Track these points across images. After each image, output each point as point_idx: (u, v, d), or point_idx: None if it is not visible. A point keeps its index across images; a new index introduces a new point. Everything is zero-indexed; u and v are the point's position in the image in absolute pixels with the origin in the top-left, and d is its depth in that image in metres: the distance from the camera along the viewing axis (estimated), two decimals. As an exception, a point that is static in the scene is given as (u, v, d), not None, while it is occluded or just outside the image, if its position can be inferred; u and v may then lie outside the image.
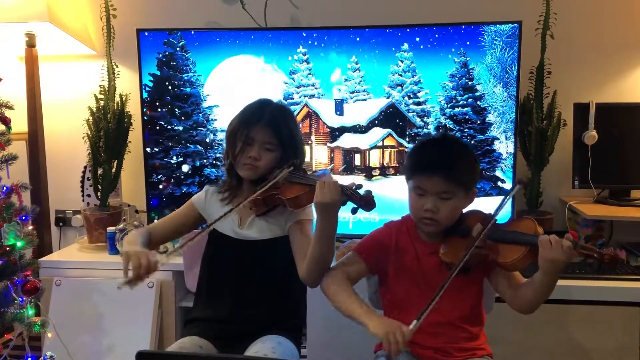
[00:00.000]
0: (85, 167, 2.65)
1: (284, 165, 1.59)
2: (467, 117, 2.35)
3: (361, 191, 1.44)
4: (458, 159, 1.52)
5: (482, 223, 1.48)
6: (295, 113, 2.41)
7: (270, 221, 1.66)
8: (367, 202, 1.42)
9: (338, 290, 1.50)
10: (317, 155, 2.46)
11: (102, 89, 2.55)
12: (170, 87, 2.50)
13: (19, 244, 1.98)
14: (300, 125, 2.42)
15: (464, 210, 1.56)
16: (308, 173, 1.62)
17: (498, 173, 2.36)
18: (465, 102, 2.34)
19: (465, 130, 2.36)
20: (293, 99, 2.44)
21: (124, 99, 2.56)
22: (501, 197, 1.55)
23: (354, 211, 1.44)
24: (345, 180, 1.48)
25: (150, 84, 2.51)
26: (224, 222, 1.67)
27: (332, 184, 1.41)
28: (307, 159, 2.42)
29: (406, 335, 1.31)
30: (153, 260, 1.47)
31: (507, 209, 2.33)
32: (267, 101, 1.71)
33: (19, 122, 2.47)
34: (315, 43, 2.40)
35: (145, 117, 2.53)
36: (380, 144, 2.41)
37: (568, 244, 1.35)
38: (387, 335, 1.31)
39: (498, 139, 2.35)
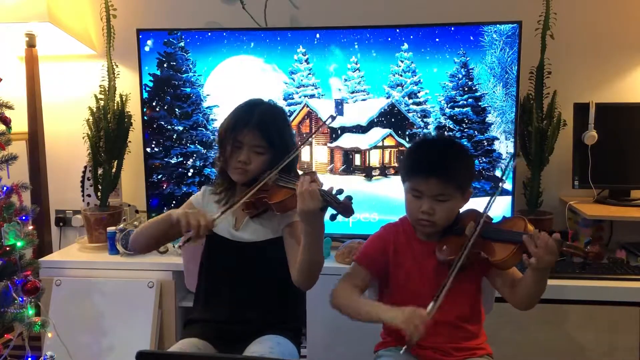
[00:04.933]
0: (85, 167, 2.65)
1: (274, 168, 1.58)
2: (467, 117, 2.35)
3: (341, 197, 1.41)
4: (454, 161, 1.52)
5: (476, 222, 1.49)
6: (295, 113, 2.42)
7: (264, 223, 1.65)
8: (345, 208, 1.39)
9: (347, 300, 1.52)
10: (317, 155, 2.46)
11: (102, 89, 2.55)
12: (170, 87, 2.50)
13: (19, 244, 1.98)
14: (300, 125, 2.43)
15: (461, 210, 1.57)
16: (300, 174, 1.61)
17: (498, 173, 2.36)
18: (465, 102, 2.34)
19: (465, 130, 2.36)
20: (293, 99, 2.44)
21: (124, 99, 2.56)
22: (500, 197, 1.55)
23: (332, 218, 1.42)
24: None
25: (150, 84, 2.51)
26: (219, 224, 1.67)
27: (312, 191, 1.39)
28: (307, 158, 2.44)
29: (424, 318, 1.34)
30: (210, 218, 1.53)
31: (507, 209, 2.33)
32: (257, 102, 1.68)
33: (19, 122, 2.47)
34: (315, 43, 2.40)
35: (145, 117, 2.53)
36: (380, 144, 2.41)
37: (552, 243, 1.36)
38: (407, 322, 1.33)
39: (498, 139, 2.35)
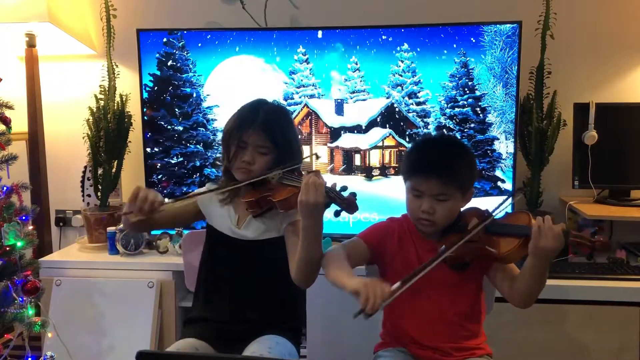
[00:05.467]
0: (85, 167, 2.65)
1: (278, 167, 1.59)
2: (467, 117, 2.35)
3: (345, 193, 1.41)
4: (455, 161, 1.52)
5: (479, 219, 1.49)
6: (296, 113, 2.42)
7: (266, 222, 1.65)
8: (349, 204, 1.40)
9: (330, 259, 1.48)
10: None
11: (102, 89, 2.55)
12: (170, 87, 2.50)
13: (19, 244, 1.98)
14: (300, 125, 2.43)
15: (462, 209, 1.57)
16: (303, 174, 1.61)
17: (498, 173, 2.36)
18: (465, 102, 2.34)
19: (465, 130, 2.36)
20: (293, 99, 2.44)
21: (124, 99, 2.56)
22: (499, 197, 1.55)
23: (336, 214, 1.42)
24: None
25: (150, 84, 2.51)
26: (221, 221, 1.68)
27: (317, 185, 1.38)
28: (307, 159, 2.43)
29: (385, 292, 1.27)
30: (159, 199, 1.53)
31: (508, 209, 2.32)
32: (261, 102, 1.69)
33: (19, 122, 2.46)
34: (315, 43, 2.40)
35: (145, 117, 2.53)
36: (380, 144, 2.41)
37: (559, 230, 1.35)
38: (365, 288, 1.26)
39: (498, 139, 2.35)
